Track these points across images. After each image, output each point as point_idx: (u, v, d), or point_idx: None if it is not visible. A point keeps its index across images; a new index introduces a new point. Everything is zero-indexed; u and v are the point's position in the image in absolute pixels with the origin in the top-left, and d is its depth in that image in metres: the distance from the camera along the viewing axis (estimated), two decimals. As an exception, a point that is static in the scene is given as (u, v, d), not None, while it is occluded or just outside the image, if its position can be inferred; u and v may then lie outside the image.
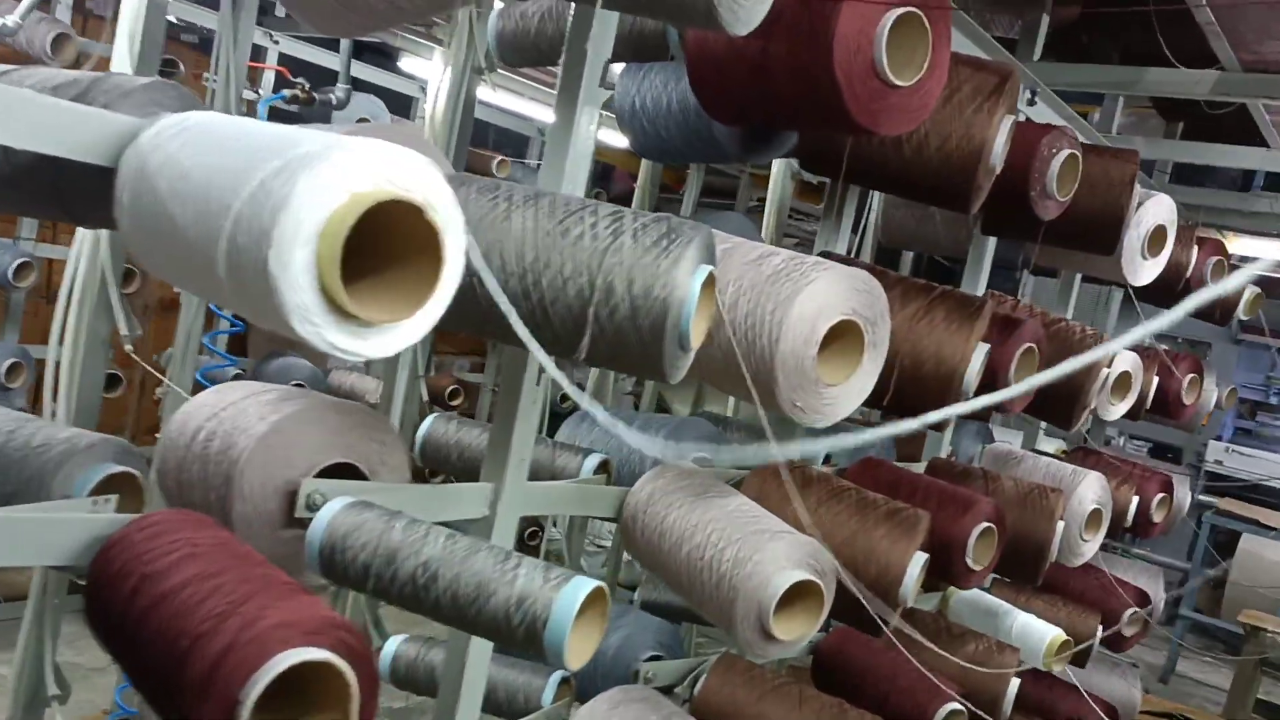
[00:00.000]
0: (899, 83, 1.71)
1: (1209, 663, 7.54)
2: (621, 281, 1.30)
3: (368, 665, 0.99)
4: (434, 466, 2.16)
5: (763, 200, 3.93)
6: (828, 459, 2.61)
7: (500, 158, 5.01)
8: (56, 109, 1.11)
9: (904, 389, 2.03)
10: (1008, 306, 2.82)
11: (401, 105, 5.23)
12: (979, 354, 2.07)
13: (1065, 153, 2.34)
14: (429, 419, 2.18)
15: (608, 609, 1.34)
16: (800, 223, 6.42)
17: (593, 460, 2.03)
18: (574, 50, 1.55)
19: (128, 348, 2.19)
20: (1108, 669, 3.55)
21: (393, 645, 2.28)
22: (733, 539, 1.72)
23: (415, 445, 2.16)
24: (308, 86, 2.45)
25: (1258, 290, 3.80)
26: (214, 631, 0.92)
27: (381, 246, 1.01)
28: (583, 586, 1.28)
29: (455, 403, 5.03)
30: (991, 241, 2.88)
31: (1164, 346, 3.55)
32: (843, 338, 1.74)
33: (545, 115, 5.01)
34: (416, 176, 0.96)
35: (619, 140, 4.43)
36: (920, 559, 2.01)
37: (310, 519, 1.42)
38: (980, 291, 2.89)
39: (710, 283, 1.41)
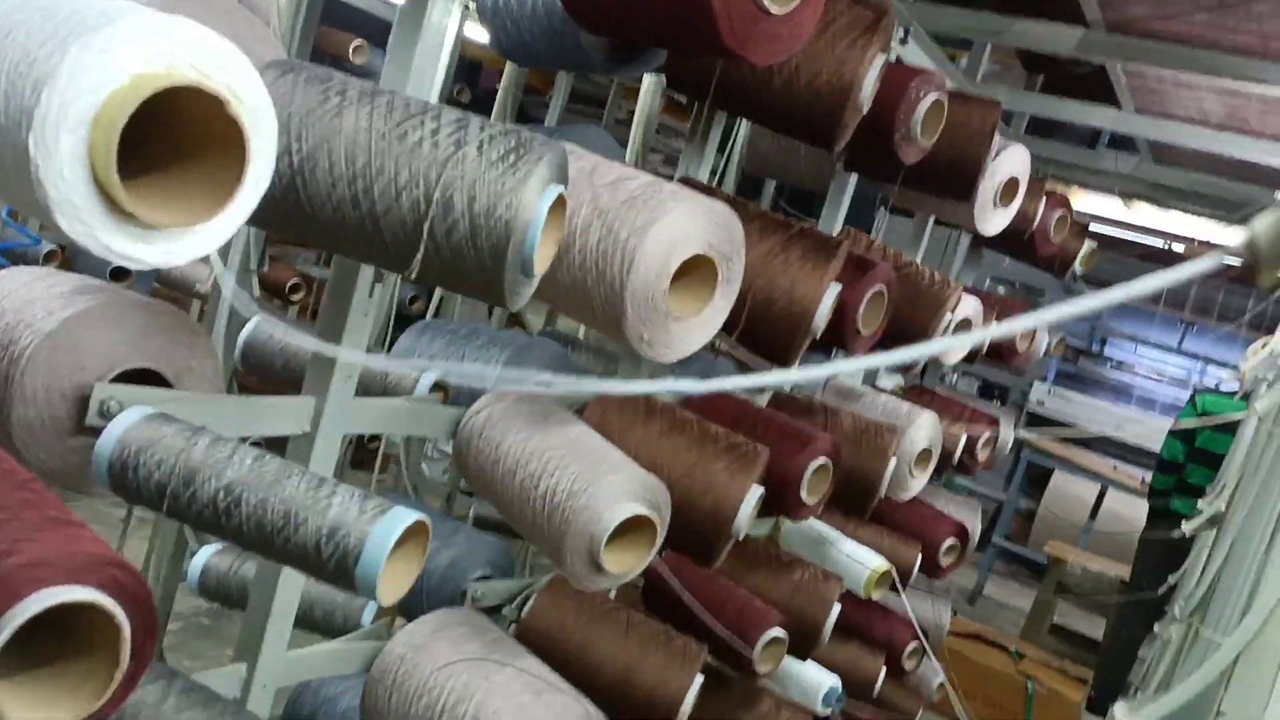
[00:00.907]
0: (773, 9, 1.63)
1: (1013, 587, 8.14)
2: (462, 197, 1.20)
3: (145, 605, 0.90)
4: (257, 374, 2.02)
5: (633, 113, 3.81)
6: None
7: (359, 41, 4.67)
8: None
9: (754, 325, 2.01)
10: (863, 245, 2.83)
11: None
12: (830, 294, 2.06)
13: (932, 97, 2.33)
14: (252, 320, 2.02)
15: (428, 541, 1.28)
16: (669, 140, 6.33)
17: (429, 377, 1.93)
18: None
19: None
20: (923, 593, 3.75)
21: (204, 556, 2.15)
22: (568, 469, 1.68)
23: (237, 350, 2.01)
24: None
25: (1094, 245, 3.97)
26: (-45, 567, 0.81)
27: (178, 138, 0.88)
28: (401, 519, 1.21)
29: (297, 298, 4.77)
30: (853, 178, 2.87)
31: (1001, 290, 3.70)
32: (696, 271, 1.69)
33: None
34: (218, 60, 0.83)
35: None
36: (756, 492, 2.03)
37: (102, 428, 1.29)
38: (838, 229, 2.89)
39: (560, 204, 1.33)
